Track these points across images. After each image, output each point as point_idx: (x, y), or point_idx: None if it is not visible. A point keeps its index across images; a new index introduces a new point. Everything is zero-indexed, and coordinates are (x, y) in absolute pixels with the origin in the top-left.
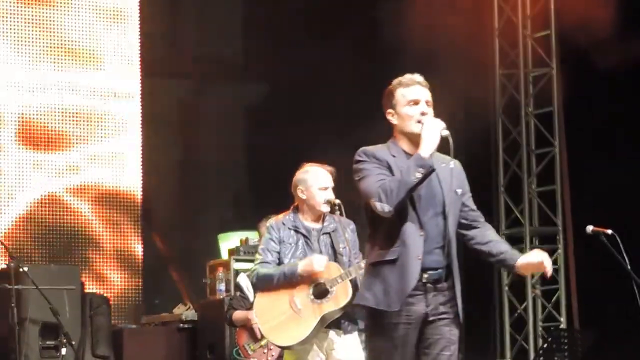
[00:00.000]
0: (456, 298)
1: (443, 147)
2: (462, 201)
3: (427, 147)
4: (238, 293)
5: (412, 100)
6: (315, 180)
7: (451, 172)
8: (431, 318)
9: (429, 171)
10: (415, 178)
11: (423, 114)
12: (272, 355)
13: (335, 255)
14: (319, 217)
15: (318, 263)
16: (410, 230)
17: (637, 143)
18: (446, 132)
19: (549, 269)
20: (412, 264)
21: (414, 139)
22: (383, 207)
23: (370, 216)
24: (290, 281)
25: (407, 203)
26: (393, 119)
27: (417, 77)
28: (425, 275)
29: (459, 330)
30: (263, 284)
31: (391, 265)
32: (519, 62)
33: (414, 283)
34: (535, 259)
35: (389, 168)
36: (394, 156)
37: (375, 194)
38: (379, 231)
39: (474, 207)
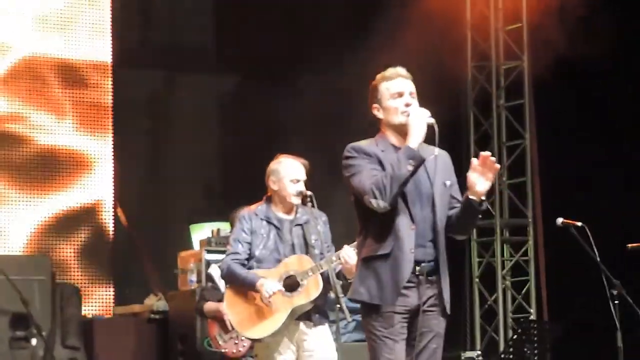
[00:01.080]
0: (443, 291)
1: (428, 136)
2: (450, 193)
3: (415, 138)
4: (209, 284)
5: (396, 92)
6: (287, 172)
7: (436, 163)
8: (421, 310)
9: (420, 162)
10: (407, 171)
11: (407, 105)
12: (244, 346)
13: (307, 248)
14: (291, 208)
15: (267, 290)
16: (402, 223)
17: (607, 135)
18: (432, 120)
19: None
20: (405, 258)
21: (401, 131)
22: (379, 203)
23: (361, 211)
24: (249, 289)
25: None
26: (378, 113)
27: (400, 70)
28: (418, 268)
29: (445, 323)
30: (229, 279)
31: (384, 259)
32: (491, 55)
33: (407, 276)
34: (471, 176)
35: (380, 162)
36: (382, 150)
37: (369, 191)
38: (370, 226)
39: (460, 198)
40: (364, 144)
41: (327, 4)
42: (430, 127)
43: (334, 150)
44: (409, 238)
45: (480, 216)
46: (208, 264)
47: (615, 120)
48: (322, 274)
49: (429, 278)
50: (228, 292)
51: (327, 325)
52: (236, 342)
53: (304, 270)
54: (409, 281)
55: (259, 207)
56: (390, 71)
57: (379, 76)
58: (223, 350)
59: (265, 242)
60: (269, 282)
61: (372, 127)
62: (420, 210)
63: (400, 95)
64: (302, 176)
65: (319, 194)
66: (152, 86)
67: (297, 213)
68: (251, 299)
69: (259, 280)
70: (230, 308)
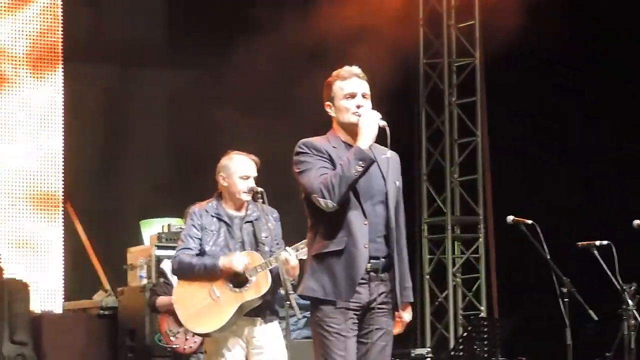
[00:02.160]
0: (395, 288)
1: (380, 137)
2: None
3: (366, 139)
4: (162, 279)
5: (349, 93)
6: (237, 169)
7: (388, 163)
8: (372, 307)
9: (370, 163)
10: (356, 172)
11: (358, 106)
12: (195, 342)
13: (257, 244)
14: (241, 205)
15: (237, 263)
16: (355, 219)
17: (559, 134)
18: (383, 123)
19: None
20: (360, 253)
21: (352, 131)
22: (327, 203)
23: (311, 208)
24: (210, 273)
25: (349, 193)
26: (331, 111)
27: (355, 70)
28: (369, 265)
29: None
30: (183, 272)
31: (338, 255)
32: (443, 52)
33: (362, 272)
34: None
35: (331, 160)
36: (334, 147)
37: (317, 191)
38: (322, 222)
39: (401, 202)
40: (316, 140)
41: None
42: (381, 129)
43: (286, 140)
44: (362, 233)
45: None
46: (158, 259)
47: (567, 119)
48: (271, 271)
49: (381, 275)
50: (177, 287)
51: (277, 322)
52: (187, 337)
53: (253, 267)
54: (361, 277)
55: (210, 203)
56: (345, 70)
57: (334, 73)
58: (174, 346)
59: (215, 238)
60: (233, 257)
61: (324, 117)
62: (372, 206)
63: (353, 96)
64: (252, 172)
65: (271, 184)
66: (104, 81)
67: (248, 210)
68: (199, 294)
69: (220, 258)
70: (179, 303)
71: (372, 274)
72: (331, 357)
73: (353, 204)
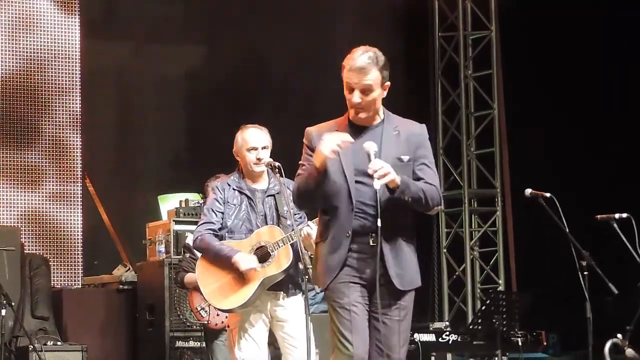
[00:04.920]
0: (388, 266)
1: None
2: (411, 168)
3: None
4: (187, 255)
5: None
6: (245, 142)
7: (397, 139)
8: (377, 283)
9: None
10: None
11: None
12: (226, 317)
13: (278, 218)
14: (258, 177)
15: (245, 264)
16: (341, 204)
17: (577, 105)
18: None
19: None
20: (342, 241)
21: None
22: (300, 206)
23: None
24: (225, 261)
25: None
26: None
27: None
28: (366, 242)
29: (407, 295)
30: (203, 250)
31: (324, 243)
32: (458, 25)
33: (343, 256)
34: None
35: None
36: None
37: (293, 193)
38: (320, 209)
39: (421, 175)
40: (320, 128)
41: None
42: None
43: (302, 117)
44: (347, 219)
45: (409, 199)
46: (176, 234)
47: (585, 90)
48: (292, 245)
49: (375, 251)
50: (200, 262)
51: (299, 295)
52: (218, 313)
53: (275, 242)
54: (360, 253)
55: (232, 177)
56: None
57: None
58: (205, 322)
59: (237, 212)
60: (245, 258)
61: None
62: (363, 185)
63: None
64: (261, 143)
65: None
66: (120, 57)
67: (270, 183)
68: (223, 269)
69: (234, 255)
70: (202, 279)
71: (366, 250)
72: (337, 329)
73: (341, 187)
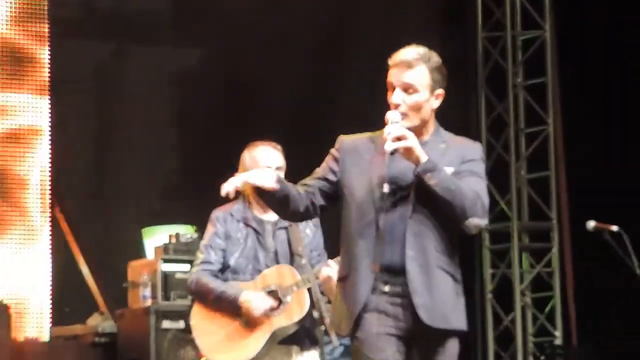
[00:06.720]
0: (417, 308)
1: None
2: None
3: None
4: None
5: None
6: (255, 162)
7: (444, 151)
8: (417, 333)
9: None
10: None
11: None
12: None
13: (291, 256)
14: None
15: (257, 307)
16: (364, 234)
17: None
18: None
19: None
20: (362, 279)
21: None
22: None
23: None
24: (228, 306)
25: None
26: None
27: None
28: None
29: (452, 343)
30: (198, 295)
31: (344, 281)
32: (506, 23)
33: (363, 300)
34: None
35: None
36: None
37: None
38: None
39: (464, 182)
40: (355, 140)
41: None
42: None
43: (317, 134)
44: (369, 253)
45: (437, 188)
46: (165, 276)
47: None
48: (309, 290)
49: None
50: (195, 308)
51: (315, 351)
52: None
53: (287, 285)
54: (395, 296)
55: (235, 206)
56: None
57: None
58: None
59: (242, 248)
60: (256, 298)
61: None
62: (393, 213)
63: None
64: (275, 163)
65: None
66: (98, 60)
67: None
68: (224, 316)
69: (242, 294)
70: (199, 328)
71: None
72: None
73: (367, 213)
